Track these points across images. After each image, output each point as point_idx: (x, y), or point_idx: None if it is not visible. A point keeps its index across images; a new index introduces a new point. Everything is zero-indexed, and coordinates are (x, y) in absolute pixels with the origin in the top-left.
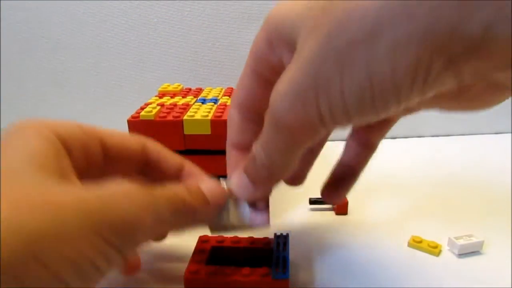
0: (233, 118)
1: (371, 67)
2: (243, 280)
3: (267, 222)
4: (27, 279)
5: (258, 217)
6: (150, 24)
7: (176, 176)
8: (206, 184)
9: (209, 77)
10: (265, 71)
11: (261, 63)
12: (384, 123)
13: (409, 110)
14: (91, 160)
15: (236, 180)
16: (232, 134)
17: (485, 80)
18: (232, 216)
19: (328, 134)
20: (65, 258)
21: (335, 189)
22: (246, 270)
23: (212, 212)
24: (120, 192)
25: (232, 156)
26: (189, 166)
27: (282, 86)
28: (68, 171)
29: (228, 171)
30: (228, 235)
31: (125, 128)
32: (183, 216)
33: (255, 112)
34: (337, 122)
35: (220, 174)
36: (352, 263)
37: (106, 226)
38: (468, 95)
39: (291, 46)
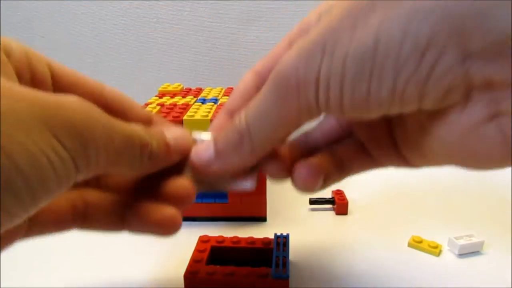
0: (244, 80)
1: (381, 31)
2: (243, 280)
3: (250, 186)
4: None
5: (242, 180)
6: (150, 24)
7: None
8: (172, 130)
9: (209, 77)
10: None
11: (301, 32)
12: (374, 163)
13: (402, 157)
14: (38, 80)
15: (199, 145)
16: (235, 95)
17: (495, 106)
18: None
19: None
20: (22, 145)
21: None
22: (246, 270)
23: (175, 159)
24: (75, 100)
25: (220, 118)
26: (158, 119)
27: (295, 45)
28: (13, 77)
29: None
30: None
31: None
32: (137, 152)
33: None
34: (329, 97)
35: None
36: (352, 263)
37: (60, 124)
38: (470, 143)
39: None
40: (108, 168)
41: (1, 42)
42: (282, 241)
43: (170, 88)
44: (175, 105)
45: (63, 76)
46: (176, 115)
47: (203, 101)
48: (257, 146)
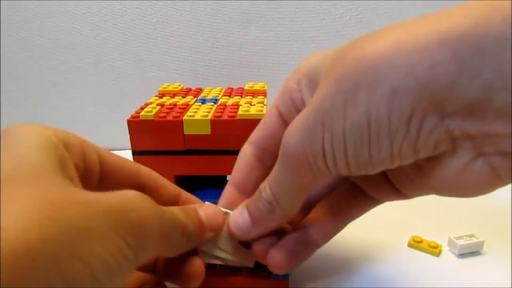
0: (244, 153)
1: (370, 111)
2: (243, 280)
3: (251, 262)
4: (69, 273)
5: (244, 255)
6: (150, 24)
7: (173, 203)
8: (204, 208)
9: (209, 77)
10: (288, 111)
11: (286, 101)
12: (372, 202)
13: (399, 193)
14: (89, 170)
15: (235, 214)
16: (238, 169)
17: (479, 149)
18: (221, 245)
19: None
20: (98, 255)
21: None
22: (246, 271)
23: (208, 237)
24: (134, 197)
25: (228, 192)
26: (185, 195)
27: (295, 122)
28: (74, 174)
29: (219, 205)
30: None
31: (125, 127)
32: (179, 234)
33: (267, 152)
34: (336, 163)
35: (220, 174)
36: (352, 263)
37: (125, 225)
38: (463, 178)
39: (314, 89)
40: (157, 253)
41: (62, 138)
42: None
43: (170, 88)
44: (175, 105)
45: (108, 162)
46: (176, 115)
47: (203, 101)
48: (286, 211)
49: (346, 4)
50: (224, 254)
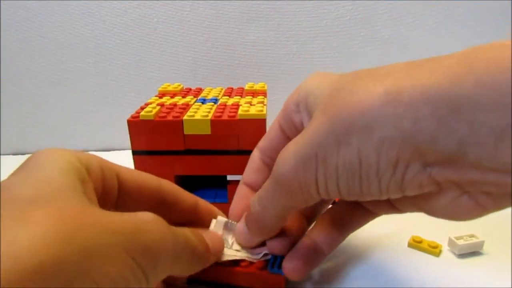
0: (253, 157)
1: (361, 153)
2: (241, 270)
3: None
4: None
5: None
6: (150, 24)
7: (191, 215)
8: (207, 234)
9: (209, 77)
10: (288, 128)
11: (287, 119)
12: (370, 214)
13: (396, 209)
14: (107, 191)
15: (238, 225)
16: (248, 171)
17: (462, 189)
18: (234, 246)
19: (323, 202)
20: (108, 275)
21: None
22: (244, 262)
23: (211, 261)
24: (148, 219)
25: (241, 191)
26: (202, 204)
27: (290, 148)
28: (93, 197)
29: (232, 204)
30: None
31: (125, 127)
32: (190, 255)
33: (272, 159)
34: (329, 192)
35: (219, 173)
36: (352, 263)
37: (137, 247)
38: (452, 210)
39: (310, 115)
40: (168, 273)
41: (84, 162)
42: None
43: (170, 88)
44: (175, 105)
45: (128, 182)
46: (176, 115)
47: (203, 101)
48: (274, 225)
49: (346, 4)
50: (237, 253)
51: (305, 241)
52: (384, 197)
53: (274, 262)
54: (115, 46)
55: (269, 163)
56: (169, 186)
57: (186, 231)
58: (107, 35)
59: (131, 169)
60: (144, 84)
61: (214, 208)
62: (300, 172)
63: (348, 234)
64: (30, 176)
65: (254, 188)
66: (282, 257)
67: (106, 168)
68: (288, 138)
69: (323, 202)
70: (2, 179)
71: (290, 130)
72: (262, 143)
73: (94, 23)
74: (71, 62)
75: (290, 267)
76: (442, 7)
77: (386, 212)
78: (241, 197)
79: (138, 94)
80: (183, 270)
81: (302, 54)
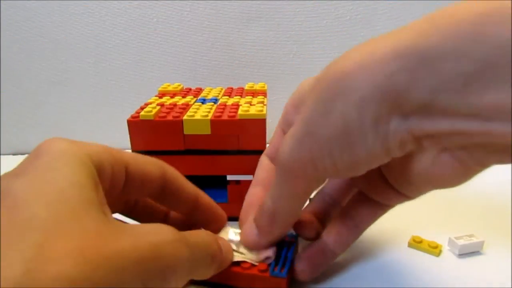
0: (262, 161)
1: (345, 116)
2: (242, 272)
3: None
4: None
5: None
6: (150, 24)
7: (191, 205)
8: (220, 240)
9: (209, 77)
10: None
11: (287, 122)
12: (380, 207)
13: (397, 192)
14: (114, 184)
15: (245, 228)
16: (258, 172)
17: (440, 145)
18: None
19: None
20: None
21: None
22: (246, 263)
23: (224, 265)
24: (167, 240)
25: (252, 190)
26: (203, 197)
27: (286, 136)
28: (104, 202)
29: (244, 204)
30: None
31: (125, 127)
32: (207, 264)
33: None
34: (326, 167)
35: (219, 173)
36: (352, 262)
37: (154, 274)
38: (436, 172)
39: (301, 108)
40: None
41: (95, 160)
42: (289, 240)
43: (170, 88)
44: (175, 105)
45: (134, 172)
46: (176, 115)
47: (203, 101)
48: (287, 219)
49: (346, 4)
50: (240, 255)
51: (315, 244)
52: (375, 163)
53: (276, 265)
54: (115, 46)
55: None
56: (174, 175)
57: (203, 237)
58: (107, 35)
59: (138, 158)
60: (144, 84)
61: (214, 203)
62: (295, 153)
63: (360, 232)
64: (41, 188)
65: (266, 187)
66: (283, 260)
67: (116, 163)
68: None
69: (335, 204)
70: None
71: None
72: (268, 149)
73: (94, 23)
74: (71, 62)
75: (301, 269)
76: (442, 7)
77: (393, 201)
78: (253, 195)
79: (138, 94)
80: (199, 277)
81: (302, 54)
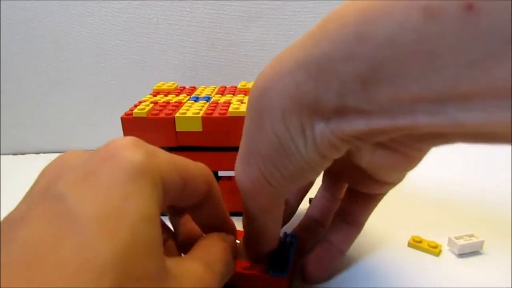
0: None
1: (275, 130)
2: (242, 272)
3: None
4: None
5: None
6: (150, 24)
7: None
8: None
9: (209, 77)
10: None
11: None
12: (371, 197)
13: (386, 183)
14: (170, 202)
15: (239, 246)
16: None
17: (371, 141)
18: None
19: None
20: None
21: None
22: (246, 263)
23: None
24: (199, 278)
25: None
26: (228, 229)
27: (237, 158)
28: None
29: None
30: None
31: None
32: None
33: None
34: (278, 180)
35: (211, 169)
36: (352, 263)
37: None
38: (381, 163)
39: None
40: None
41: (167, 182)
42: (289, 240)
43: (164, 87)
44: (168, 102)
45: (187, 194)
46: (168, 113)
47: (196, 99)
48: (268, 234)
49: None
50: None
51: (322, 244)
52: (318, 169)
53: (275, 265)
54: (115, 46)
55: None
56: (216, 185)
57: (226, 262)
58: (107, 35)
59: (196, 175)
60: (144, 84)
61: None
62: (247, 173)
63: (361, 226)
64: (112, 219)
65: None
66: (282, 260)
67: (180, 185)
68: None
69: (334, 203)
70: (2, 179)
71: None
72: None
73: (94, 23)
74: (71, 62)
75: (311, 271)
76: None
77: (378, 189)
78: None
79: (138, 94)
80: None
81: None
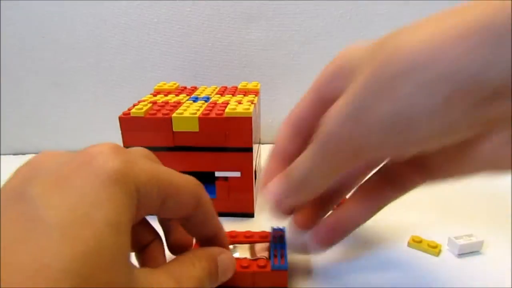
0: (284, 130)
1: (410, 98)
2: (243, 271)
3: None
4: None
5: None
6: (150, 24)
7: (204, 240)
8: (222, 258)
9: (209, 77)
10: (325, 97)
11: (323, 90)
12: (396, 190)
13: (430, 171)
14: (143, 216)
15: (272, 183)
16: (279, 142)
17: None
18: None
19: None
20: None
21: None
22: (244, 262)
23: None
24: None
25: (272, 160)
26: (220, 238)
27: (336, 106)
28: (130, 245)
29: (264, 177)
30: None
31: None
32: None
33: (304, 130)
34: (377, 145)
35: (207, 170)
36: (352, 263)
37: None
38: (496, 149)
39: (352, 78)
40: None
41: (142, 192)
42: (278, 235)
43: (165, 87)
44: (167, 102)
45: (171, 207)
46: (166, 113)
47: (195, 99)
48: (317, 187)
49: (346, 4)
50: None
51: (333, 213)
52: (433, 144)
53: (275, 259)
54: (115, 46)
55: (300, 133)
56: (206, 209)
57: (199, 275)
58: (107, 35)
59: (181, 188)
60: (144, 84)
61: (226, 243)
62: (347, 127)
63: (376, 211)
64: (79, 223)
65: (287, 157)
66: (282, 253)
67: (158, 198)
68: (323, 107)
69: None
70: (2, 179)
71: (326, 98)
72: (293, 113)
73: (94, 23)
74: (71, 62)
75: (316, 237)
76: (442, 7)
77: (417, 183)
78: (272, 169)
79: (139, 94)
80: None
81: (302, 54)
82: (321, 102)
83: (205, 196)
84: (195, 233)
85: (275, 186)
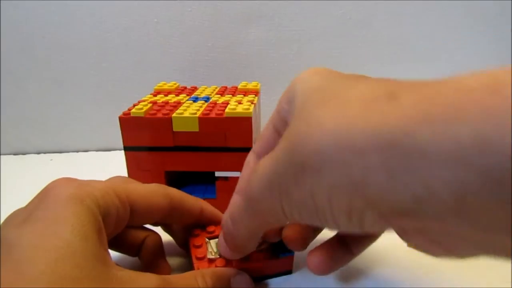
0: (248, 162)
1: (314, 196)
2: (247, 267)
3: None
4: None
5: None
6: (150, 24)
7: (197, 218)
8: (213, 273)
9: (209, 77)
10: (282, 128)
11: (280, 119)
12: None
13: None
14: (119, 225)
15: (218, 242)
16: (243, 176)
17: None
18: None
19: None
20: None
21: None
22: (244, 257)
23: None
24: None
25: (235, 201)
26: (207, 208)
27: (260, 169)
28: (106, 249)
29: (225, 213)
30: None
31: None
32: None
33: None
34: (296, 219)
35: (207, 170)
36: (352, 263)
37: None
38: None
39: (290, 113)
40: None
41: (102, 207)
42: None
43: (165, 87)
44: (167, 103)
45: (139, 209)
46: (166, 113)
47: (195, 99)
48: (247, 243)
49: (346, 4)
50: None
51: (334, 237)
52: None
53: (279, 247)
54: (115, 46)
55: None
56: (178, 198)
57: (188, 281)
58: (107, 35)
59: (145, 193)
60: (144, 84)
61: (217, 211)
62: (267, 197)
63: (378, 235)
64: (48, 241)
65: None
66: (282, 242)
67: (122, 205)
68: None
69: None
70: (2, 179)
71: (282, 127)
72: (257, 146)
73: (94, 23)
74: (72, 62)
75: (314, 261)
76: (442, 7)
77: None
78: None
79: (139, 94)
80: None
81: (302, 54)
82: (280, 134)
83: (173, 190)
84: (182, 220)
85: (222, 246)
